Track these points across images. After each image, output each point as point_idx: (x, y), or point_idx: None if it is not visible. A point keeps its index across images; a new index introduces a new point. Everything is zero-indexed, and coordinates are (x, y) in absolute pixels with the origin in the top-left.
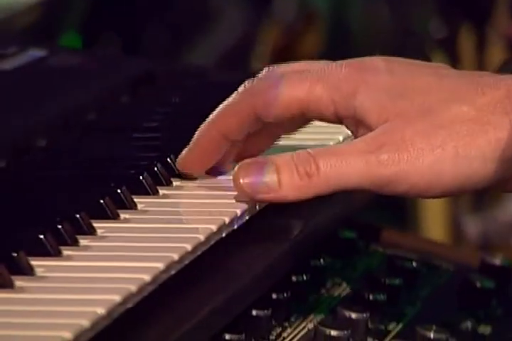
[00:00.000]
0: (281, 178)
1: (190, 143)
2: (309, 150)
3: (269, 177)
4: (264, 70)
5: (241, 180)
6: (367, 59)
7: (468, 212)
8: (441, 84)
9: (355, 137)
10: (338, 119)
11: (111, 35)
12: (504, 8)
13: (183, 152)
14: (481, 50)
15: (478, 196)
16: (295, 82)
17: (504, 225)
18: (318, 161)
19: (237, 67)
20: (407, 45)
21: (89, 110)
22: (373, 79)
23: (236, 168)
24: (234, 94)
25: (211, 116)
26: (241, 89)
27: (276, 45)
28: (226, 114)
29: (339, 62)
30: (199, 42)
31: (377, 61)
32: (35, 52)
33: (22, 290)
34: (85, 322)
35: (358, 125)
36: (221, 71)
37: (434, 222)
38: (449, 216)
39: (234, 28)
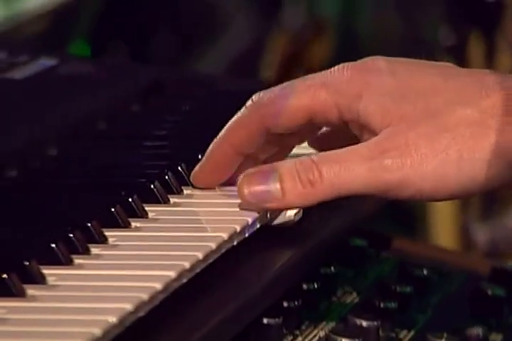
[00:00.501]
0: (285, 186)
1: (203, 158)
2: (313, 156)
3: (273, 186)
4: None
5: (245, 190)
6: (369, 60)
7: (478, 220)
8: (445, 85)
9: (360, 141)
10: (343, 123)
11: (120, 44)
12: None
13: (197, 167)
14: (490, 57)
15: (488, 204)
16: (299, 90)
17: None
18: (321, 168)
19: (246, 75)
20: (416, 52)
21: (99, 119)
22: (376, 82)
23: (240, 178)
24: (243, 108)
25: (222, 131)
26: (249, 102)
27: (285, 53)
28: (236, 128)
29: (342, 64)
30: (208, 50)
31: (380, 62)
32: (46, 61)
33: (34, 298)
34: (97, 331)
35: (362, 129)
36: (230, 79)
37: (443, 230)
38: (459, 224)
39: (242, 36)
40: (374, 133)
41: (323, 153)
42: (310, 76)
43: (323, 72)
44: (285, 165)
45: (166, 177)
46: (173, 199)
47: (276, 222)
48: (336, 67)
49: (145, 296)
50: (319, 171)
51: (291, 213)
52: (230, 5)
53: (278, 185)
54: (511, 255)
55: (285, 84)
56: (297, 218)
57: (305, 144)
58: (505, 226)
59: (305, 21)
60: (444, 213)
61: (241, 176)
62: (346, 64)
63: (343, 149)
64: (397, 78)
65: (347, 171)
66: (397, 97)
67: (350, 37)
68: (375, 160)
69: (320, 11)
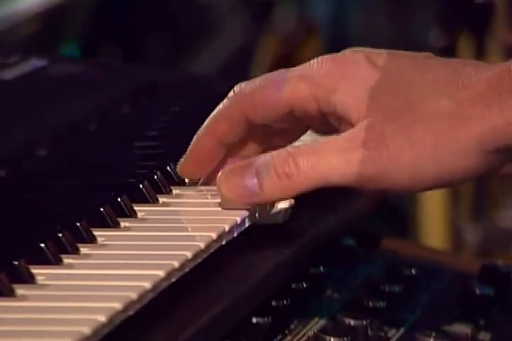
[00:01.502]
0: (261, 181)
1: (188, 150)
2: (289, 148)
3: (250, 181)
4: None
5: (223, 187)
6: (348, 52)
7: (468, 220)
8: (422, 76)
9: (339, 133)
10: (322, 116)
11: (112, 45)
12: (503, 17)
13: (182, 158)
14: (481, 58)
15: (478, 203)
16: (280, 82)
17: (504, 232)
18: (297, 160)
19: (238, 77)
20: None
21: (89, 119)
22: (354, 74)
23: (218, 175)
24: (225, 99)
25: (205, 122)
26: (230, 93)
27: (276, 55)
28: (218, 119)
29: (321, 57)
30: (200, 51)
31: (359, 54)
32: (36, 62)
33: (23, 298)
34: (86, 330)
35: (340, 121)
36: (222, 80)
37: (434, 230)
38: (449, 223)
39: (234, 37)
40: (351, 124)
41: (299, 146)
42: (290, 69)
43: (303, 65)
44: (261, 159)
45: (155, 177)
46: (162, 199)
47: (263, 221)
48: (316, 59)
49: (134, 295)
50: (296, 163)
51: (275, 210)
52: (222, 7)
53: (255, 180)
54: (502, 254)
55: (266, 75)
56: (285, 219)
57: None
58: (496, 225)
59: (296, 23)
60: (435, 213)
61: (219, 174)
62: (325, 56)
63: (320, 141)
64: (374, 69)
65: (324, 163)
66: (374, 89)
67: (341, 39)
68: (352, 151)
69: (311, 13)
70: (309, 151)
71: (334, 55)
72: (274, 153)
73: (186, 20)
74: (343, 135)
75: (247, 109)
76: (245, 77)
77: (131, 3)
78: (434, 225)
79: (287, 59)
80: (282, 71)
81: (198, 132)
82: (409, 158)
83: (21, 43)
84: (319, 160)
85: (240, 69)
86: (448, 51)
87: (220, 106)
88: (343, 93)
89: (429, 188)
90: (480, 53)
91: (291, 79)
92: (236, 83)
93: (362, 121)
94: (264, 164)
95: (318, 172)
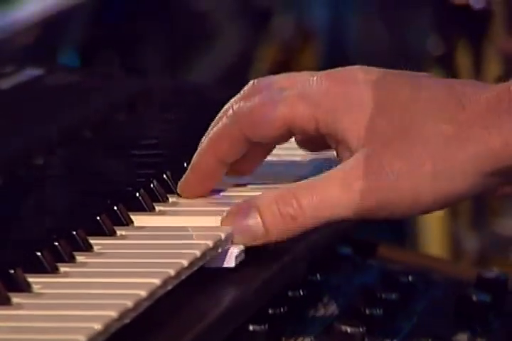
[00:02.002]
0: (266, 223)
1: (189, 169)
2: (291, 188)
3: (255, 225)
4: (249, 85)
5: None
6: (345, 71)
7: (467, 228)
8: (421, 97)
9: (337, 155)
10: (320, 136)
11: (109, 54)
12: (501, 24)
13: (182, 178)
14: (479, 66)
15: (477, 212)
16: (278, 102)
17: (503, 241)
18: (300, 201)
19: (236, 84)
20: (404, 62)
21: (86, 127)
22: (353, 95)
23: (223, 217)
24: (223, 118)
25: (204, 142)
26: (229, 112)
27: (274, 63)
28: (218, 138)
29: (319, 75)
30: (197, 59)
31: (356, 73)
32: (33, 71)
33: (19, 306)
34: (82, 338)
35: (338, 143)
36: (219, 88)
37: (432, 238)
38: (448, 232)
39: (232, 45)
40: (349, 149)
41: (300, 184)
42: (288, 83)
43: (302, 82)
44: (264, 201)
45: (152, 185)
46: (158, 207)
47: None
48: (315, 77)
49: (130, 303)
50: (299, 204)
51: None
52: (220, 15)
53: (260, 224)
54: (500, 263)
55: (264, 93)
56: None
57: (286, 144)
58: (495, 234)
59: (294, 30)
60: (434, 221)
61: (223, 215)
62: (324, 74)
63: (321, 176)
64: (373, 90)
65: (326, 200)
66: (372, 112)
67: (338, 47)
68: (352, 185)
69: (309, 20)
70: (311, 190)
71: (331, 72)
72: (276, 194)
73: (184, 28)
74: (342, 167)
75: (246, 127)
76: (244, 84)
77: (130, 12)
78: (433, 234)
79: (286, 66)
80: (281, 88)
81: (199, 151)
82: (409, 186)
83: (18, 52)
84: (322, 198)
85: (238, 77)
86: (446, 59)
87: (220, 125)
88: (343, 116)
89: (427, 212)
90: (478, 61)
91: (290, 98)
92: (235, 90)
93: (361, 149)
94: (267, 206)
95: (323, 210)
